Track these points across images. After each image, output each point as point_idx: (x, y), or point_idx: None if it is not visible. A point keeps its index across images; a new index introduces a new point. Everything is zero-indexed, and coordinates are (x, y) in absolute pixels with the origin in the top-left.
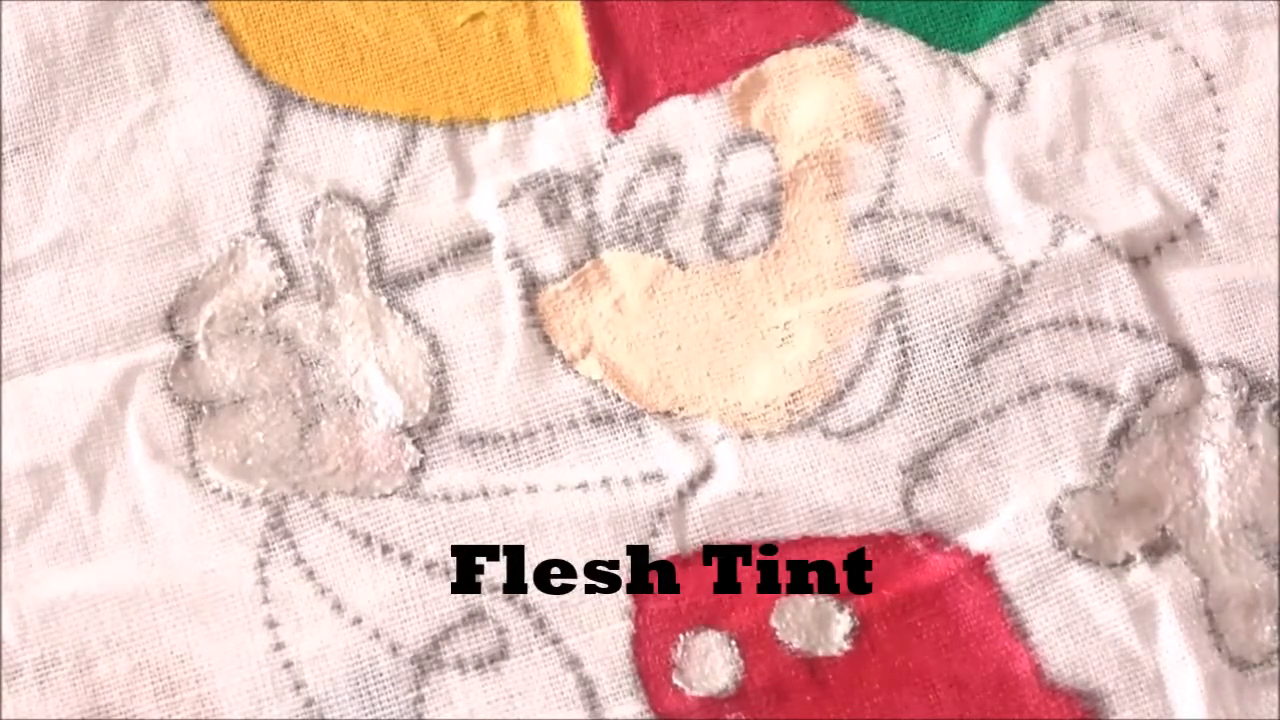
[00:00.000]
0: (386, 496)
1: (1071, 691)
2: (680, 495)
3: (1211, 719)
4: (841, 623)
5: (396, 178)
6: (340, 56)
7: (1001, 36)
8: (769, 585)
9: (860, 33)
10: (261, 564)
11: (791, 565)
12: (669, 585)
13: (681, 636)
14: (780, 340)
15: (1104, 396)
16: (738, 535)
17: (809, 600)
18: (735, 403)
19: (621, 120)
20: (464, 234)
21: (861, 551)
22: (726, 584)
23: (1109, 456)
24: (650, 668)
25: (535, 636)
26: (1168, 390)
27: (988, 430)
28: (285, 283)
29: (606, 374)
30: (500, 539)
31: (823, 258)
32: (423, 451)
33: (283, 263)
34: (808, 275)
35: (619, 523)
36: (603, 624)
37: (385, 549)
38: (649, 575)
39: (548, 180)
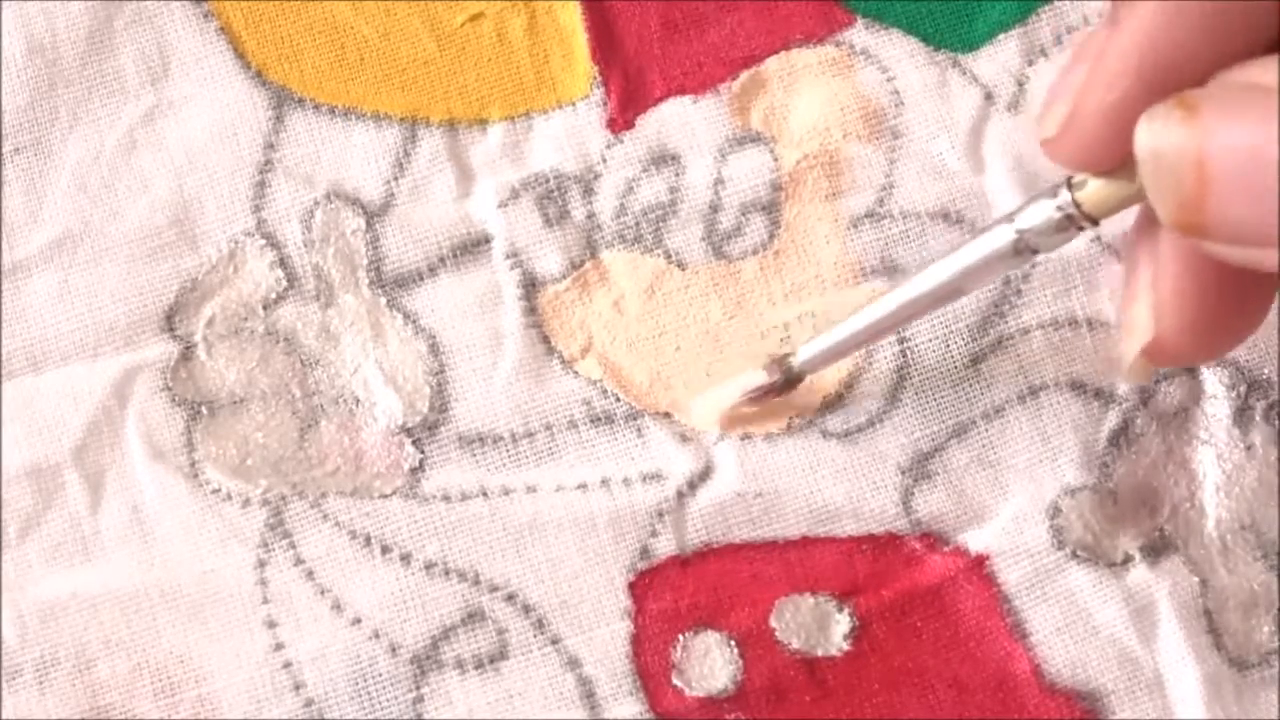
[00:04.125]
0: (386, 497)
1: (1071, 691)
2: (680, 495)
3: (1210, 719)
4: (841, 623)
5: (396, 178)
6: (340, 57)
7: (1001, 37)
8: (768, 585)
9: (860, 33)
10: (261, 564)
11: (791, 565)
12: (669, 585)
13: (681, 636)
14: (780, 340)
15: (1103, 396)
16: (737, 535)
17: (808, 600)
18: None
19: (621, 120)
20: (463, 234)
21: (861, 552)
22: (726, 584)
23: (1108, 456)
24: (650, 668)
25: (535, 636)
26: (1166, 390)
27: (987, 430)
28: (285, 283)
29: (606, 374)
30: (500, 539)
31: (822, 258)
32: (422, 452)
33: (282, 263)
34: (807, 275)
35: (619, 523)
36: (602, 624)
37: (385, 549)
38: (649, 575)
39: (547, 180)
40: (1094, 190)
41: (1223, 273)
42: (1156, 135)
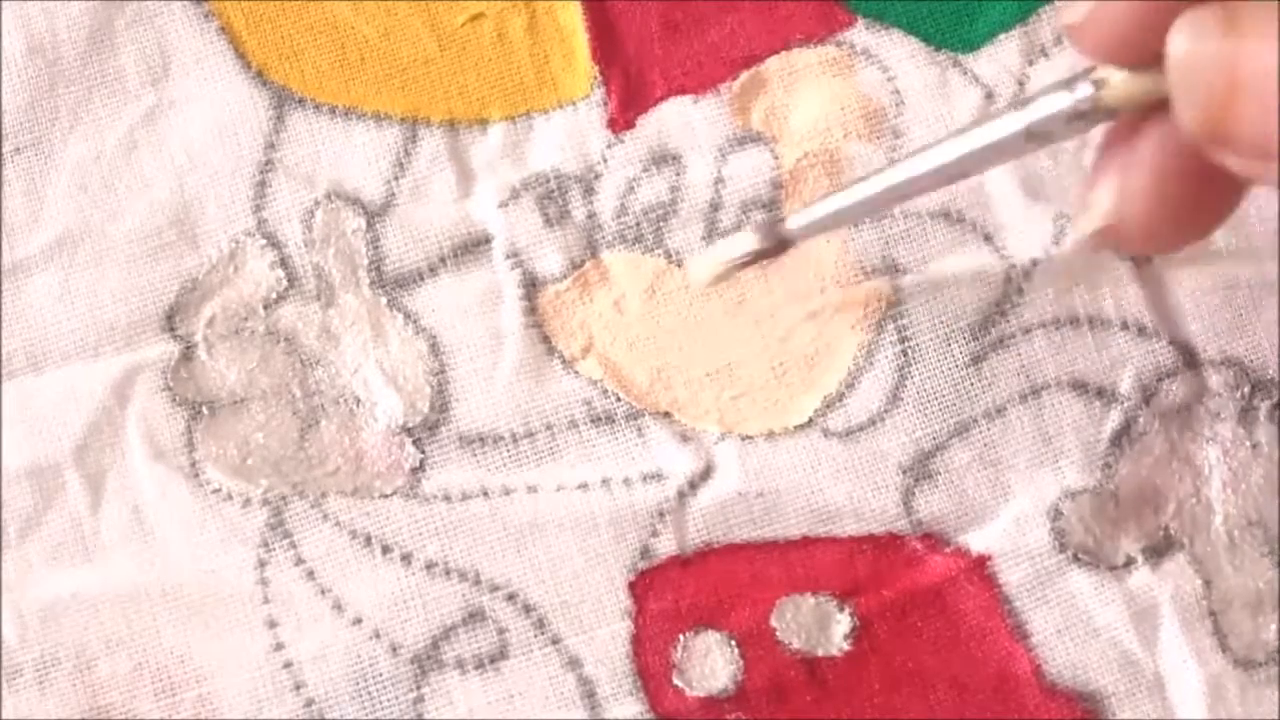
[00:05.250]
0: (386, 497)
1: (1071, 692)
2: (680, 495)
3: (1213, 719)
4: (841, 623)
5: (396, 178)
6: (340, 57)
7: (1001, 37)
8: (769, 585)
9: (860, 33)
10: (261, 564)
11: (791, 565)
12: (669, 585)
13: (681, 636)
14: (780, 340)
15: (1105, 396)
16: (738, 535)
17: (809, 600)
18: (733, 400)
19: (621, 120)
20: (464, 234)
21: (862, 552)
22: (727, 584)
23: (1110, 456)
24: (650, 668)
25: (535, 636)
26: (1169, 389)
27: (988, 430)
28: (285, 283)
29: (606, 374)
30: (500, 539)
31: (823, 257)
32: (423, 451)
33: (283, 263)
34: (808, 274)
35: (619, 523)
36: (603, 624)
37: (385, 549)
38: (650, 575)
39: (548, 180)
40: (1118, 83)
41: (1200, 173)
42: (1192, 42)
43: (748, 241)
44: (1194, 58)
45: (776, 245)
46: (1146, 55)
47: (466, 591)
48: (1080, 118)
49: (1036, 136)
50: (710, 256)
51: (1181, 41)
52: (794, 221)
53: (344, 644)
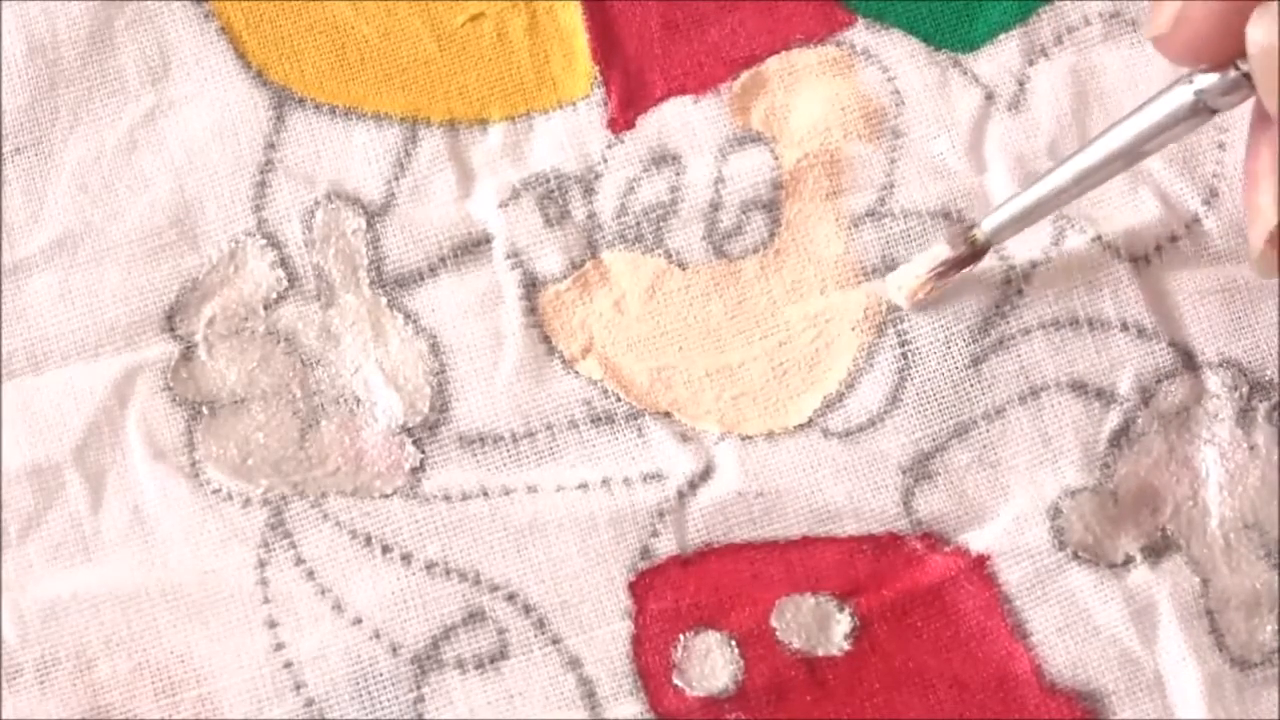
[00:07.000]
0: (386, 497)
1: (1071, 691)
2: (680, 495)
3: (1212, 719)
4: (841, 623)
5: (396, 178)
6: (340, 57)
7: (1001, 36)
8: (769, 585)
9: (860, 33)
10: (261, 564)
11: (791, 565)
12: (670, 585)
13: (681, 636)
14: (780, 341)
15: (1104, 396)
16: (738, 535)
17: (809, 600)
18: (733, 400)
19: (621, 120)
20: (464, 234)
21: (862, 552)
22: (727, 584)
23: (1109, 457)
24: (650, 668)
25: (535, 636)
26: (1168, 390)
27: (988, 431)
28: (285, 283)
29: (606, 374)
30: (500, 539)
31: (823, 257)
32: (423, 451)
33: (283, 263)
34: (808, 274)
35: (619, 523)
36: (603, 624)
37: (385, 549)
38: (650, 575)
39: (548, 180)
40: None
41: None
42: (1268, 34)
43: (941, 252)
44: (1273, 47)
45: (972, 252)
46: (1231, 54)
47: (466, 591)
48: (1240, 84)
49: (1202, 110)
50: (907, 272)
51: (1259, 33)
52: (986, 224)
53: (344, 644)
